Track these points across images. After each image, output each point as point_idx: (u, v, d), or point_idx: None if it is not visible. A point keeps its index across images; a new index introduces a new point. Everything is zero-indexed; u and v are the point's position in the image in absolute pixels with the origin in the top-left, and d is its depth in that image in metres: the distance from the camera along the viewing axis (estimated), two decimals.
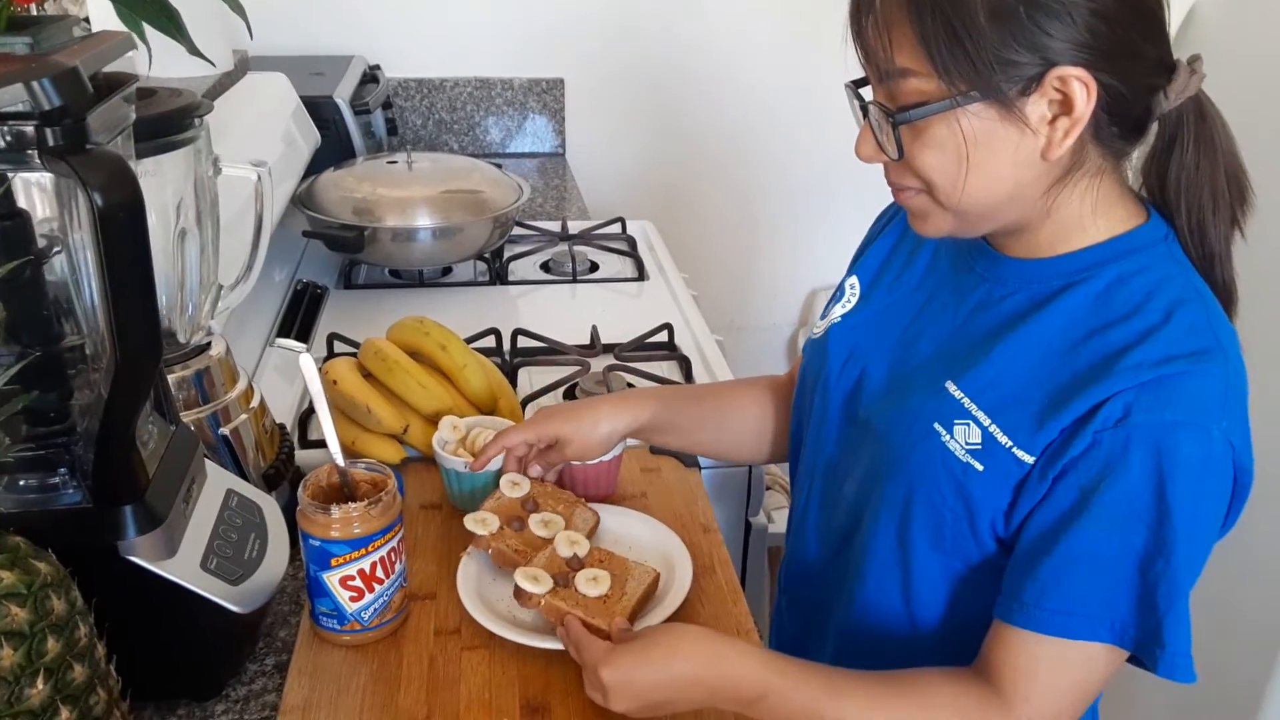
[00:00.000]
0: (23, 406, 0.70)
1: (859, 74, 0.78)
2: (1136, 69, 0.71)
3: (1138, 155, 0.78)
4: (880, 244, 0.95)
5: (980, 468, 0.75)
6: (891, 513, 0.80)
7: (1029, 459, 0.73)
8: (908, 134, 0.73)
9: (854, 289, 0.93)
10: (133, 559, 0.75)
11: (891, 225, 0.96)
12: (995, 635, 0.74)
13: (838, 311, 0.93)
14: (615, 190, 2.38)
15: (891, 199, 0.84)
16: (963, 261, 0.84)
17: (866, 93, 0.77)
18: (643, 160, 2.41)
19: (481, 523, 0.93)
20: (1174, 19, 1.58)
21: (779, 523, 1.32)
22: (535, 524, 0.94)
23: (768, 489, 1.35)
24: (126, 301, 0.67)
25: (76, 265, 0.74)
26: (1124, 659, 0.73)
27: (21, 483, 0.74)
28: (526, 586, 0.84)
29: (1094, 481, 0.70)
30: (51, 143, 0.63)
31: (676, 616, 0.86)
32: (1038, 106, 0.69)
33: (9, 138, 0.64)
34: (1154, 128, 0.75)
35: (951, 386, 0.78)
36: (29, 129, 0.63)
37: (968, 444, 0.75)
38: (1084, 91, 0.68)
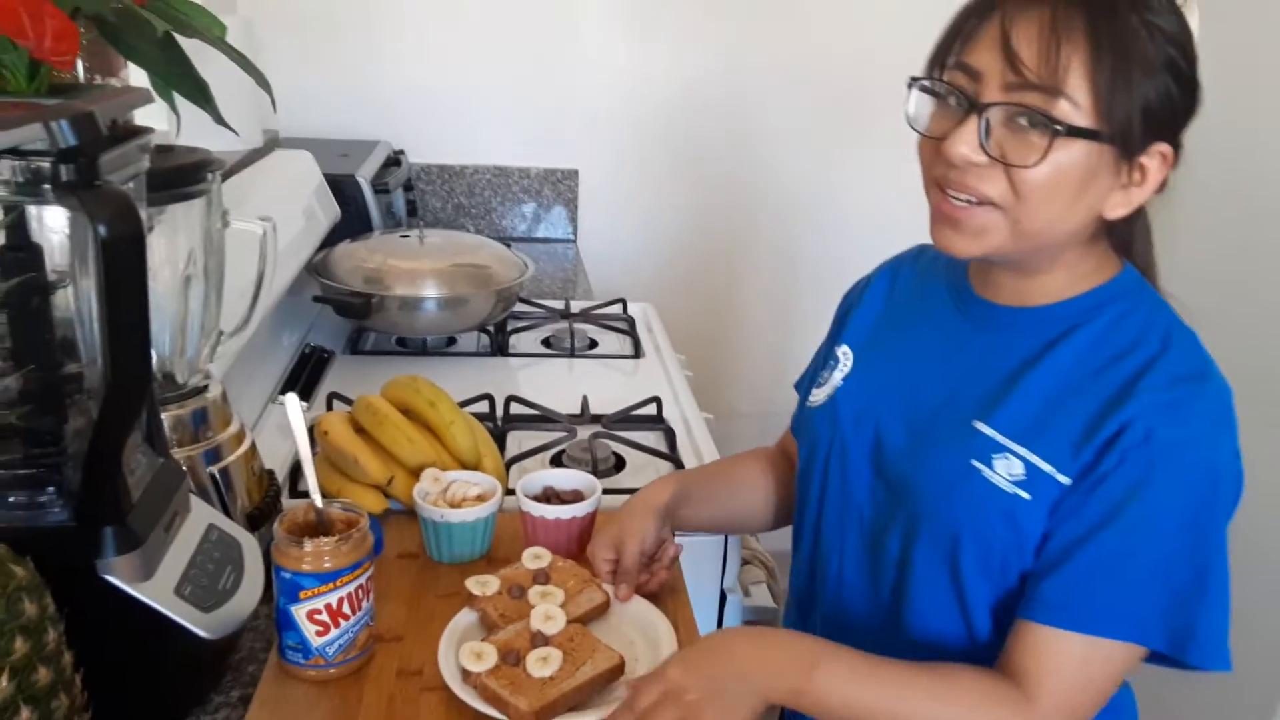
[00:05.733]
0: (20, 428, 0.74)
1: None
2: (1175, 164, 0.81)
3: None
4: (862, 313, 1.01)
5: (1028, 497, 0.80)
6: (940, 553, 0.85)
7: (1066, 480, 0.79)
8: (1037, 146, 0.75)
9: (846, 356, 0.98)
10: (109, 578, 0.78)
11: (868, 295, 1.01)
12: (1018, 634, 0.79)
13: (837, 378, 0.98)
14: (623, 276, 2.46)
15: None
16: (956, 314, 0.91)
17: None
18: (650, 248, 2.49)
19: (481, 584, 0.95)
20: None
21: (756, 597, 1.34)
22: (534, 594, 0.94)
23: (746, 563, 1.36)
24: (122, 330, 0.72)
25: (82, 300, 0.79)
26: (1140, 660, 0.78)
27: (10, 499, 0.78)
28: (466, 664, 0.84)
29: (1124, 494, 0.77)
30: (64, 178, 0.69)
31: None
32: (1132, 169, 0.78)
33: (27, 173, 0.70)
34: None
35: (981, 425, 0.83)
36: (45, 165, 0.69)
37: (1011, 475, 0.81)
38: (1163, 168, 0.79)
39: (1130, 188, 0.79)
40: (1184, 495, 0.76)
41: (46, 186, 0.70)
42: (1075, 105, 0.74)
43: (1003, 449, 0.81)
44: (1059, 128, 0.74)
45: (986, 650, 0.85)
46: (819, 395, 0.99)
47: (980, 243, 0.81)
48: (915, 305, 0.97)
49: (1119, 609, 0.76)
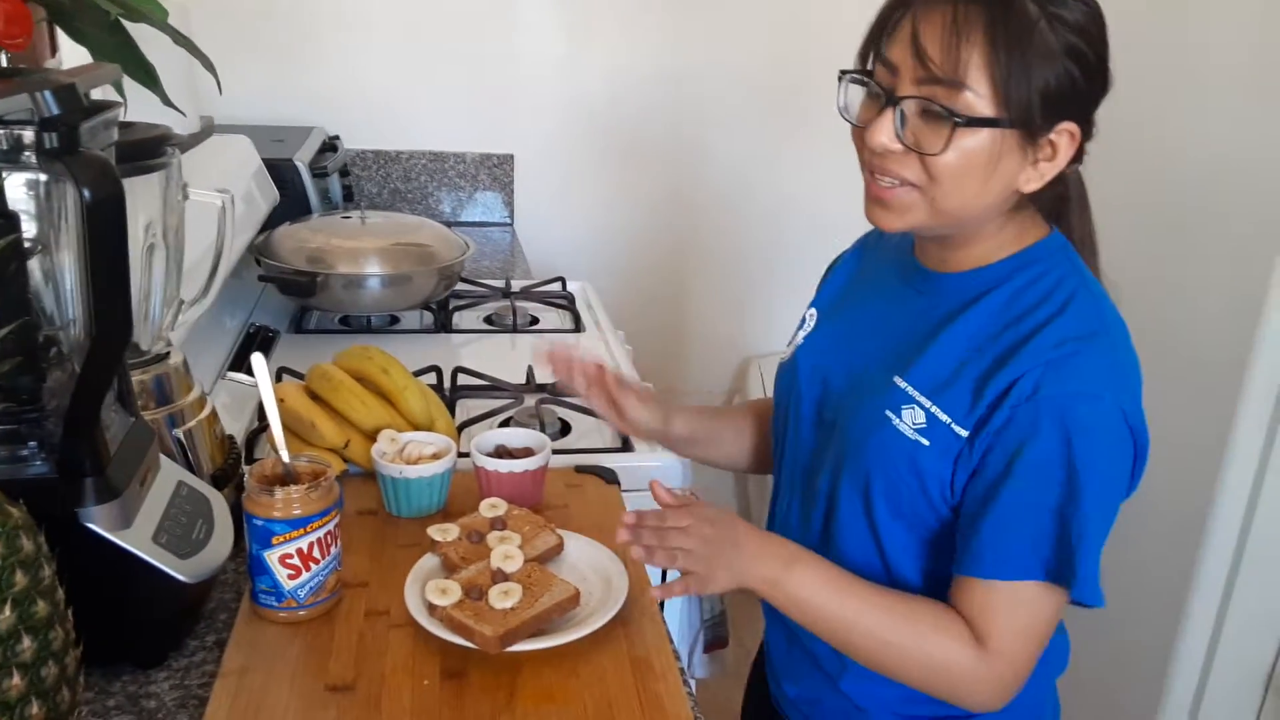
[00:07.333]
0: (2, 387, 0.78)
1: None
2: (1086, 138, 0.87)
3: None
4: (832, 281, 1.12)
5: (927, 443, 0.89)
6: (856, 491, 0.94)
7: (964, 433, 0.87)
8: (943, 136, 0.82)
9: (813, 317, 1.09)
10: (91, 526, 0.82)
11: (840, 266, 1.12)
12: (955, 588, 0.88)
13: (800, 336, 1.08)
14: (559, 259, 2.51)
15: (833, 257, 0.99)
16: (903, 280, 0.99)
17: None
18: (587, 233, 2.56)
19: (442, 531, 1.03)
20: None
21: None
22: (492, 538, 1.02)
23: None
24: (105, 285, 0.77)
25: (57, 265, 0.83)
26: (1066, 598, 0.86)
27: None
28: (432, 598, 0.91)
29: (1015, 448, 0.84)
30: (48, 145, 0.73)
31: (597, 636, 0.92)
32: (1039, 147, 0.84)
33: (10, 140, 0.74)
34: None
35: (898, 380, 0.92)
36: (28, 133, 0.73)
37: (915, 424, 0.89)
38: (1071, 145, 0.85)
39: (1040, 163, 0.85)
40: (1066, 445, 0.82)
41: (27, 155, 0.75)
42: (977, 95, 0.81)
43: (911, 401, 0.90)
44: (959, 119, 0.82)
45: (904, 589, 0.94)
46: (787, 352, 1.10)
47: (904, 219, 0.89)
48: (873, 275, 1.07)
49: (1025, 554, 0.84)
